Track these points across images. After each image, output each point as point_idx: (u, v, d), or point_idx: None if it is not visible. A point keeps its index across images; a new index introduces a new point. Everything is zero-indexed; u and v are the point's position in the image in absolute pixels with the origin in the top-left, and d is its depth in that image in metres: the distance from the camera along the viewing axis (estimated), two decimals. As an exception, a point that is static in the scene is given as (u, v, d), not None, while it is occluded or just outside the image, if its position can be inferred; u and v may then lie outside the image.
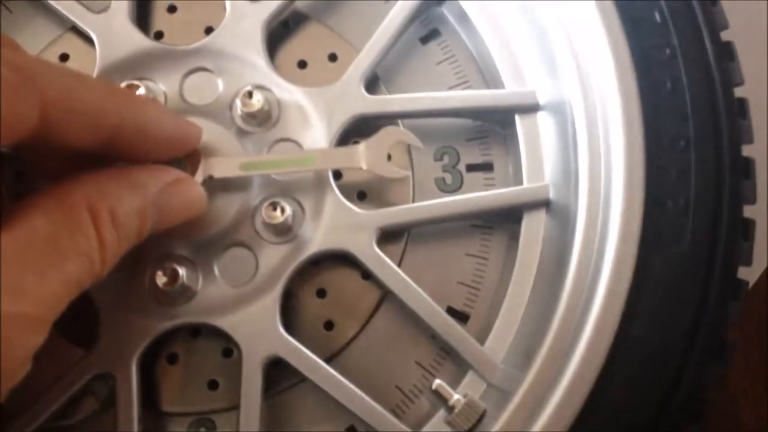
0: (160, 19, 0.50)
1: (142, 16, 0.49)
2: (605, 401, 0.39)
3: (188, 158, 0.41)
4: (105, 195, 0.34)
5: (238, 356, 0.43)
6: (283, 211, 0.43)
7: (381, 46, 0.47)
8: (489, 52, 0.48)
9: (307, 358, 0.43)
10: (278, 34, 0.50)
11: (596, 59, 0.42)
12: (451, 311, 0.47)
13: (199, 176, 0.41)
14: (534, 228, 0.46)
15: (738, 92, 0.42)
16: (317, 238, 0.44)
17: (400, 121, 0.48)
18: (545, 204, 0.46)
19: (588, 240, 0.41)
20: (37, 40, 0.50)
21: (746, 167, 0.41)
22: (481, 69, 0.50)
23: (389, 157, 0.45)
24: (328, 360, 0.45)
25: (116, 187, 0.35)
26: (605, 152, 0.41)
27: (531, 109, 0.47)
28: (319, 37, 0.50)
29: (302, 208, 0.45)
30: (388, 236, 0.46)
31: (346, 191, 0.46)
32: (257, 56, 0.47)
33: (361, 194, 0.48)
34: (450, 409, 0.44)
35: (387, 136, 0.44)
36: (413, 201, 0.48)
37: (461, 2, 0.49)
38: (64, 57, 0.49)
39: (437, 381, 0.45)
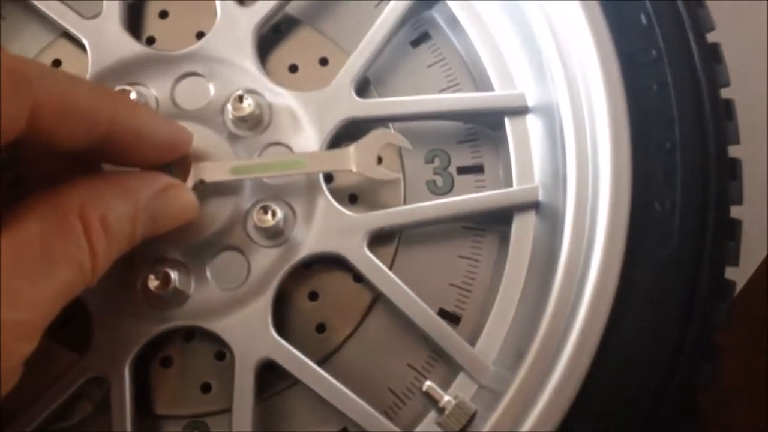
0: (151, 24, 0.50)
1: (133, 22, 0.50)
2: (594, 401, 0.39)
3: (179, 163, 0.41)
4: (96, 202, 0.34)
5: (231, 359, 0.44)
6: (274, 214, 0.44)
7: (372, 49, 0.47)
8: (479, 55, 0.49)
9: (299, 360, 0.43)
10: (269, 39, 0.50)
11: (583, 62, 0.42)
12: (443, 313, 0.47)
13: (191, 181, 0.41)
14: (524, 229, 0.46)
15: (726, 93, 0.43)
16: (309, 241, 0.45)
17: (390, 124, 0.48)
18: (535, 206, 0.46)
19: (576, 241, 0.41)
20: (29, 46, 0.50)
21: (733, 168, 0.41)
22: (471, 72, 0.50)
23: (380, 160, 0.45)
24: (321, 362, 0.46)
25: (107, 193, 0.35)
26: (592, 154, 0.41)
27: (520, 111, 0.47)
28: (310, 41, 0.50)
29: (293, 211, 0.45)
30: (379, 238, 0.47)
31: (337, 194, 0.46)
32: (248, 61, 0.47)
33: (352, 197, 0.48)
34: (441, 410, 0.44)
35: (376, 138, 0.44)
36: (404, 203, 0.48)
37: (451, 6, 0.49)
38: (56, 62, 0.50)
39: (428, 383, 0.45)
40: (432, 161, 0.49)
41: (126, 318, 0.44)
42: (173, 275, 0.43)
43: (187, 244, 0.44)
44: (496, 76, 0.48)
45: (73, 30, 0.47)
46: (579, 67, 0.42)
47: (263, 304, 0.44)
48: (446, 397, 0.44)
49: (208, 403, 0.46)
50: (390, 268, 0.46)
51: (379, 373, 0.47)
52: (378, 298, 0.47)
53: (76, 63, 0.49)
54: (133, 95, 0.45)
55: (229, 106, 0.45)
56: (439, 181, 0.49)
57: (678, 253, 0.40)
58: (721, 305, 0.40)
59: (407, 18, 0.48)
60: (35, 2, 0.48)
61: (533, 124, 0.47)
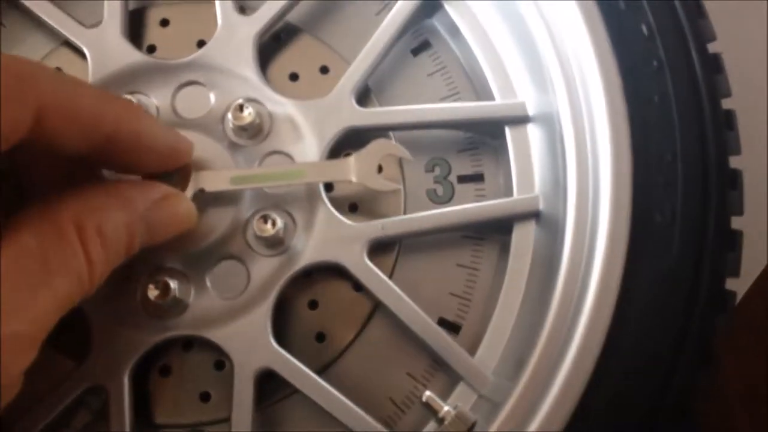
0: (152, 33, 0.50)
1: (134, 30, 0.50)
2: (593, 411, 0.39)
3: (179, 171, 0.41)
4: (92, 212, 0.34)
5: (230, 368, 0.44)
6: (274, 224, 0.43)
7: (372, 58, 0.47)
8: (479, 64, 0.49)
9: (298, 370, 0.43)
10: (270, 47, 0.50)
11: (584, 72, 0.42)
12: (443, 322, 0.47)
13: (190, 190, 0.41)
14: (524, 239, 0.46)
15: (728, 103, 0.43)
16: (309, 251, 0.45)
17: (391, 133, 0.48)
18: (535, 215, 0.46)
19: (576, 252, 0.41)
20: (30, 54, 0.50)
21: (733, 179, 0.41)
22: (471, 80, 0.50)
23: (380, 169, 0.45)
24: (320, 372, 0.45)
25: (104, 203, 0.35)
26: (593, 165, 0.41)
27: (521, 120, 0.47)
28: (311, 50, 0.50)
29: (294, 220, 0.45)
30: (379, 248, 0.47)
31: (337, 203, 0.46)
32: (249, 69, 0.47)
33: (352, 206, 0.48)
34: (440, 420, 0.44)
35: (377, 148, 0.44)
36: (405, 212, 0.48)
37: (452, 14, 0.49)
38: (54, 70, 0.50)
39: (427, 393, 0.45)
40: (432, 170, 0.49)
41: (125, 327, 0.44)
42: (173, 284, 0.43)
43: (187, 253, 0.44)
44: (496, 85, 0.48)
45: (73, 39, 0.47)
46: (580, 78, 0.42)
47: (263, 313, 0.44)
48: (446, 407, 0.44)
49: (207, 413, 0.46)
50: (390, 277, 0.46)
51: (379, 382, 0.46)
52: (378, 307, 0.47)
53: (77, 71, 0.49)
54: (133, 104, 0.45)
55: (230, 115, 0.45)
56: (440, 189, 0.49)
57: (678, 264, 0.40)
58: (721, 316, 0.40)
59: (408, 26, 0.48)
60: (36, 11, 0.48)
61: (534, 133, 0.47)
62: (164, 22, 0.51)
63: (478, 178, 0.49)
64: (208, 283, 0.44)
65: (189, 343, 0.46)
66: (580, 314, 0.40)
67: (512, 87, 0.48)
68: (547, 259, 0.44)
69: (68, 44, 0.49)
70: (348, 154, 0.46)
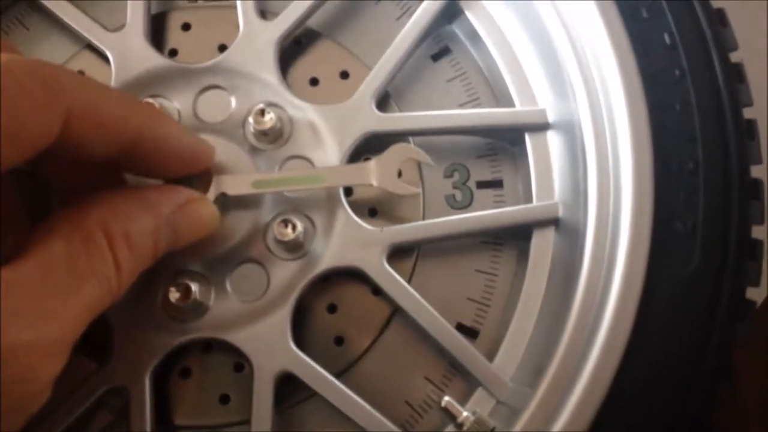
0: (174, 37, 0.51)
1: (156, 34, 0.50)
2: (614, 420, 0.39)
3: (200, 176, 0.41)
4: (119, 217, 0.34)
5: (250, 371, 0.44)
6: (294, 228, 0.44)
7: (392, 63, 0.47)
8: (499, 70, 0.49)
9: (317, 373, 0.44)
10: (290, 52, 0.50)
11: (605, 80, 0.42)
12: (461, 327, 0.47)
13: (212, 194, 0.42)
14: (543, 246, 0.46)
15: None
16: (328, 255, 0.45)
17: (410, 138, 0.48)
18: (554, 222, 0.46)
19: (597, 259, 0.41)
20: (53, 57, 0.50)
21: (755, 188, 0.41)
22: (491, 86, 0.50)
23: (400, 174, 0.45)
24: (338, 375, 0.46)
25: (130, 208, 0.35)
26: (614, 173, 0.41)
27: (541, 127, 0.47)
28: (331, 55, 0.51)
29: (313, 224, 0.45)
30: (398, 252, 0.47)
31: (357, 208, 0.46)
32: (270, 74, 0.47)
33: (372, 211, 0.48)
34: (459, 426, 0.44)
35: (397, 152, 0.44)
36: (424, 217, 0.48)
37: (472, 21, 0.49)
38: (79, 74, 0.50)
39: (446, 398, 0.45)
40: (451, 175, 0.49)
41: (146, 330, 0.44)
42: (194, 287, 0.43)
43: (208, 256, 0.44)
44: (516, 91, 0.48)
45: (96, 43, 0.48)
46: (601, 86, 0.42)
47: (282, 316, 0.44)
48: (464, 413, 0.44)
49: (227, 415, 0.46)
50: (408, 282, 0.46)
51: (397, 386, 0.47)
52: (396, 311, 0.47)
53: (99, 75, 0.49)
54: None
55: (251, 120, 0.45)
56: (459, 195, 0.49)
57: (699, 273, 0.40)
58: (741, 325, 0.40)
59: (428, 32, 0.48)
60: (59, 14, 0.48)
61: (554, 140, 0.47)
62: (186, 26, 0.51)
63: (497, 184, 0.49)
64: (229, 287, 0.45)
65: (209, 345, 0.47)
66: (600, 322, 0.40)
67: (532, 93, 0.48)
68: (566, 266, 0.44)
69: (91, 47, 0.49)
70: (367, 159, 0.46)
